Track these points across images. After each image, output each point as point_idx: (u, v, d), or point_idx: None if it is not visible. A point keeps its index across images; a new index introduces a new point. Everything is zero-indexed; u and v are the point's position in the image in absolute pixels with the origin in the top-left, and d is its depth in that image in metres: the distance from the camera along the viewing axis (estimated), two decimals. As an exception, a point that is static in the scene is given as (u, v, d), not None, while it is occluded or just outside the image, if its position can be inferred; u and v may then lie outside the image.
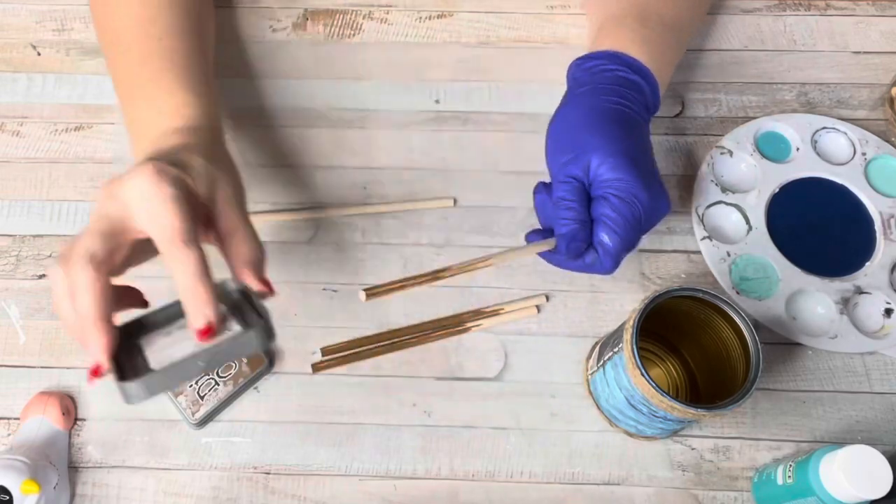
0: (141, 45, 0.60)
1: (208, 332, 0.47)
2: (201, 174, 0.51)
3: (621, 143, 0.57)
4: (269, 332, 0.49)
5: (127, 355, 0.49)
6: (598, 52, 0.62)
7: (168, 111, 0.57)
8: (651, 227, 0.59)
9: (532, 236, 0.60)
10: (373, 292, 0.56)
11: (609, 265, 0.58)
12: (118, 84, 0.62)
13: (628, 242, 0.57)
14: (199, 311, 0.47)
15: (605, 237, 0.56)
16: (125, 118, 0.61)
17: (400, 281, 0.56)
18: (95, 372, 0.47)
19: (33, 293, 0.66)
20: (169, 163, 0.49)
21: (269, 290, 0.51)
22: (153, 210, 0.47)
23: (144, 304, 0.52)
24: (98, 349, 0.46)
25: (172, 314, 0.51)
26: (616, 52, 0.61)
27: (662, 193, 0.58)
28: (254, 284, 0.50)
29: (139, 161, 0.52)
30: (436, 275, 0.57)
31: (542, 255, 0.60)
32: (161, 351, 0.50)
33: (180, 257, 0.46)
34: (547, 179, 0.61)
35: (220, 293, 0.48)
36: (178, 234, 0.46)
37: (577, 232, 0.56)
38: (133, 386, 0.46)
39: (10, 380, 0.63)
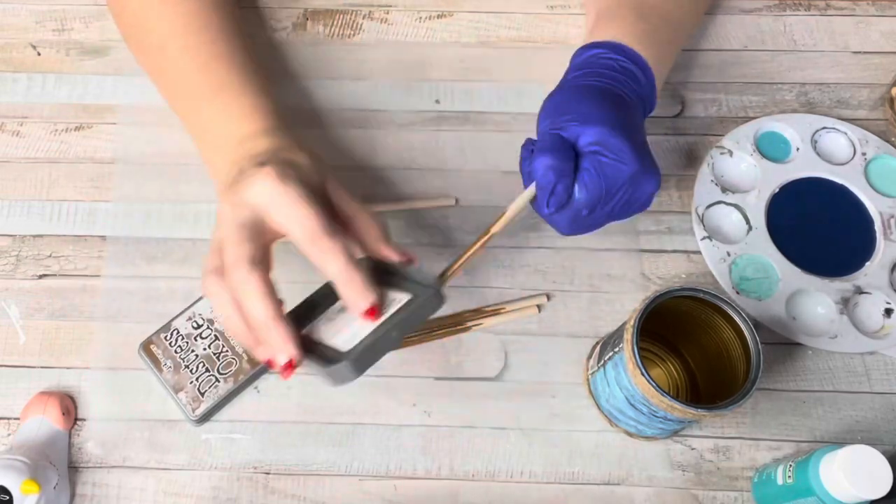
0: (196, 53, 0.62)
1: (374, 312, 0.49)
2: (312, 169, 0.53)
3: (613, 113, 0.56)
4: (439, 292, 0.51)
5: (305, 345, 0.51)
6: (598, 41, 0.62)
7: (241, 116, 0.58)
8: (632, 202, 0.56)
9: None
10: None
11: (562, 223, 0.56)
12: (175, 94, 0.64)
13: (593, 202, 0.54)
14: (360, 295, 0.49)
15: (577, 193, 0.54)
16: (190, 126, 0.62)
17: None
18: (290, 366, 0.49)
19: (33, 293, 0.66)
20: (281, 163, 0.51)
21: (410, 258, 0.53)
22: (289, 211, 0.49)
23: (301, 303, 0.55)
24: (286, 344, 0.49)
25: (321, 303, 0.54)
26: (616, 42, 0.61)
27: (652, 168, 0.55)
28: (395, 256, 0.52)
29: (222, 167, 0.55)
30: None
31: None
32: (337, 334, 0.52)
33: (327, 250, 0.49)
34: None
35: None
36: (320, 228, 0.49)
37: (554, 183, 0.54)
38: (342, 367, 0.48)
39: (10, 380, 0.63)
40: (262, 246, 0.50)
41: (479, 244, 0.56)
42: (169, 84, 0.64)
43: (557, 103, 0.58)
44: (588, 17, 0.71)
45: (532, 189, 0.56)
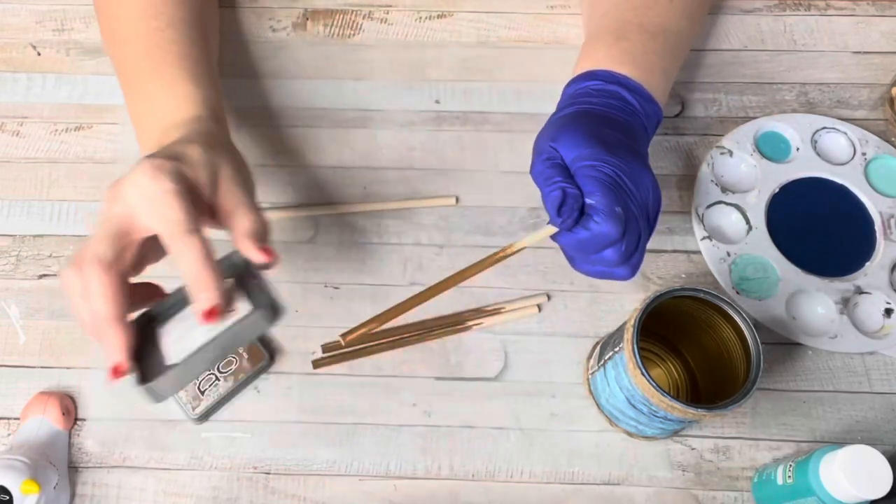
0: (143, 39, 0.61)
1: (213, 313, 0.48)
2: (200, 162, 0.52)
3: (584, 125, 0.56)
4: (275, 310, 0.50)
5: (145, 349, 0.50)
6: (580, 74, 0.61)
7: (169, 105, 0.58)
8: (645, 199, 0.55)
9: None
10: (351, 336, 0.58)
11: (604, 227, 0.52)
12: (122, 80, 0.63)
13: (617, 201, 0.53)
14: (203, 294, 0.48)
15: (587, 199, 0.52)
16: (130, 113, 0.62)
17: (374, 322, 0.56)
18: (116, 372, 0.48)
19: (33, 293, 0.66)
20: (167, 157, 0.50)
21: (270, 257, 0.51)
22: (155, 206, 0.48)
23: (165, 297, 0.54)
24: (116, 349, 0.48)
25: (182, 301, 0.53)
26: (598, 69, 0.60)
27: (642, 163, 0.55)
28: (253, 254, 0.51)
29: (142, 158, 0.53)
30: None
31: (568, 255, 0.56)
32: (176, 341, 0.51)
33: (184, 246, 0.48)
34: None
35: (226, 269, 0.50)
36: (180, 225, 0.48)
37: (560, 196, 0.52)
38: (150, 387, 0.48)
39: (10, 380, 0.63)
40: (125, 243, 0.49)
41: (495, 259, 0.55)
42: (117, 72, 0.64)
43: (537, 141, 0.58)
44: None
45: (548, 227, 0.54)
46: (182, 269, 0.48)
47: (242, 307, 0.50)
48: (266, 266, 0.51)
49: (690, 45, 0.71)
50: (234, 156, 0.55)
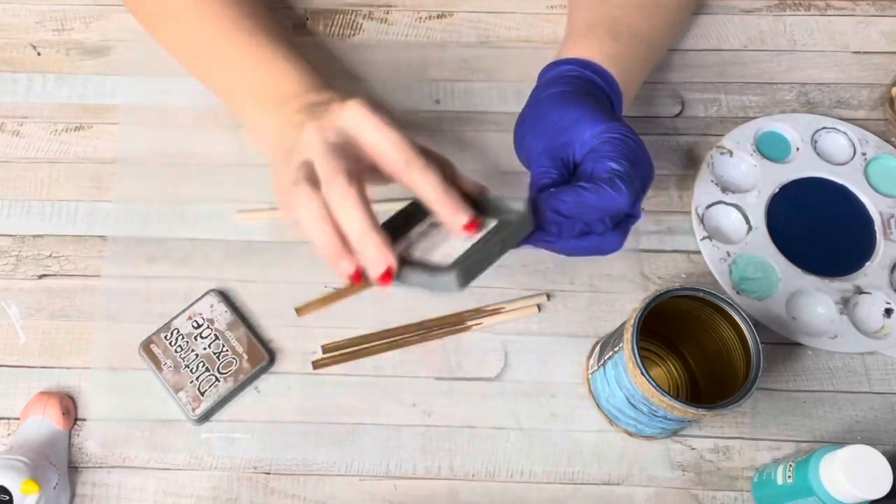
0: (231, 26, 0.63)
1: (474, 225, 0.50)
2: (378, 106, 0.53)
3: (599, 106, 0.57)
4: (524, 214, 0.52)
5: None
6: (568, 58, 0.62)
7: (296, 74, 0.60)
8: (647, 179, 0.55)
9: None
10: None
11: (625, 195, 0.52)
12: (209, 66, 0.64)
13: (638, 175, 0.53)
14: (458, 211, 0.50)
15: (612, 164, 0.53)
16: (229, 92, 0.63)
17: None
18: (387, 275, 0.49)
19: (33, 293, 0.66)
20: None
21: (484, 188, 0.54)
22: (383, 133, 0.50)
23: None
24: (384, 251, 0.49)
25: (404, 223, 0.55)
26: (585, 59, 0.61)
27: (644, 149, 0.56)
28: (471, 187, 0.53)
29: (279, 121, 0.56)
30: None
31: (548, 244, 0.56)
32: (431, 251, 0.53)
33: (424, 171, 0.50)
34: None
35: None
36: (415, 152, 0.50)
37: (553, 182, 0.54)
38: (451, 276, 0.48)
39: (10, 380, 0.63)
40: (354, 163, 0.51)
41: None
42: (199, 56, 0.65)
43: (542, 115, 0.58)
44: (567, 33, 0.70)
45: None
46: (424, 192, 0.50)
47: (489, 221, 0.52)
48: (481, 194, 0.54)
49: (664, 52, 0.72)
50: None
